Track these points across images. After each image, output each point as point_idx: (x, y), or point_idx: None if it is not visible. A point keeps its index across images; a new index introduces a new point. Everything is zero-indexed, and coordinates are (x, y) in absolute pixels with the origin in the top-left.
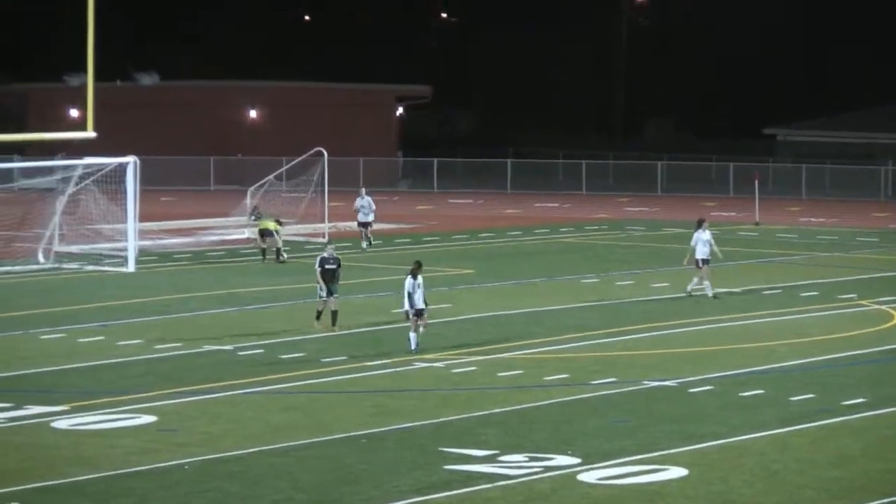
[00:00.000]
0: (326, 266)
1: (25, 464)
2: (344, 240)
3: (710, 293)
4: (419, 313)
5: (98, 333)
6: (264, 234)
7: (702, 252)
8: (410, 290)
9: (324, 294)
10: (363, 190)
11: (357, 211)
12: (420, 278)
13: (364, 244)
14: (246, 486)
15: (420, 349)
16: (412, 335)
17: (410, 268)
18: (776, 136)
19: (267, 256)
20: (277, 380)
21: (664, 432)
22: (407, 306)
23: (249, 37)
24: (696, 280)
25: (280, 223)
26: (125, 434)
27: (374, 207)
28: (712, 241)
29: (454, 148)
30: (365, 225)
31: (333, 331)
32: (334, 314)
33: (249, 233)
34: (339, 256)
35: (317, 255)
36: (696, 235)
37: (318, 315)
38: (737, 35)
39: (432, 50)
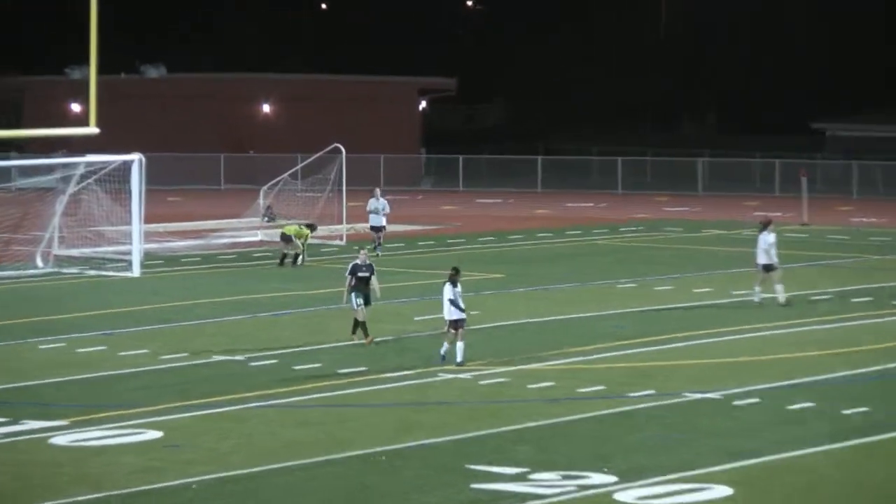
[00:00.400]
0: (359, 274)
1: (22, 482)
2: (365, 243)
3: (756, 299)
4: (456, 324)
5: (100, 343)
6: (286, 238)
7: (764, 256)
8: (452, 298)
9: (361, 303)
10: (377, 190)
11: (370, 213)
12: (459, 286)
13: (377, 251)
14: None
15: (464, 361)
16: (446, 345)
17: (448, 274)
18: (825, 132)
19: (286, 261)
20: (291, 392)
21: (707, 448)
22: (454, 315)
23: (262, 26)
24: (777, 287)
25: (313, 229)
26: (128, 451)
27: (388, 210)
28: (775, 246)
29: (481, 144)
30: (378, 230)
31: (352, 339)
32: (357, 324)
33: (263, 235)
34: (373, 263)
35: (346, 261)
36: (760, 238)
37: (364, 328)
38: (782, 24)
39: (457, 40)
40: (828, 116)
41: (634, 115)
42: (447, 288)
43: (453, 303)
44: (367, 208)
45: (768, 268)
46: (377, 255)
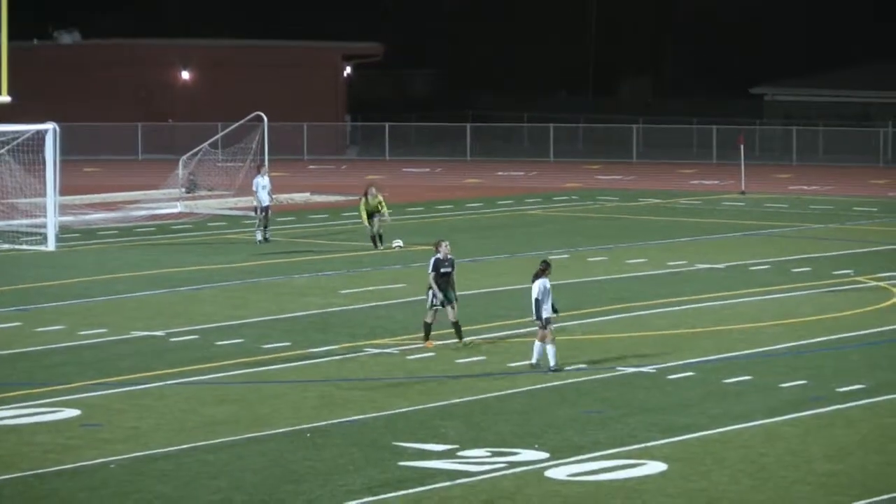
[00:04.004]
0: (442, 270)
1: None
2: (287, 213)
3: None
4: (548, 322)
5: (15, 319)
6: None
7: None
8: (539, 297)
9: (437, 302)
10: (265, 167)
11: (256, 192)
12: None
13: (259, 236)
14: (179, 487)
15: (558, 367)
16: (538, 345)
17: (539, 268)
18: (763, 96)
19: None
20: (213, 368)
21: (641, 423)
22: (547, 314)
23: None
24: None
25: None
26: (44, 430)
27: (270, 188)
28: None
29: (408, 111)
30: (266, 210)
31: (459, 347)
32: (457, 326)
33: (182, 206)
34: (453, 256)
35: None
36: None
37: (429, 331)
38: None
39: (384, 3)
40: (767, 81)
41: (567, 81)
42: (539, 284)
43: (539, 302)
44: (253, 186)
45: None
46: (260, 238)
